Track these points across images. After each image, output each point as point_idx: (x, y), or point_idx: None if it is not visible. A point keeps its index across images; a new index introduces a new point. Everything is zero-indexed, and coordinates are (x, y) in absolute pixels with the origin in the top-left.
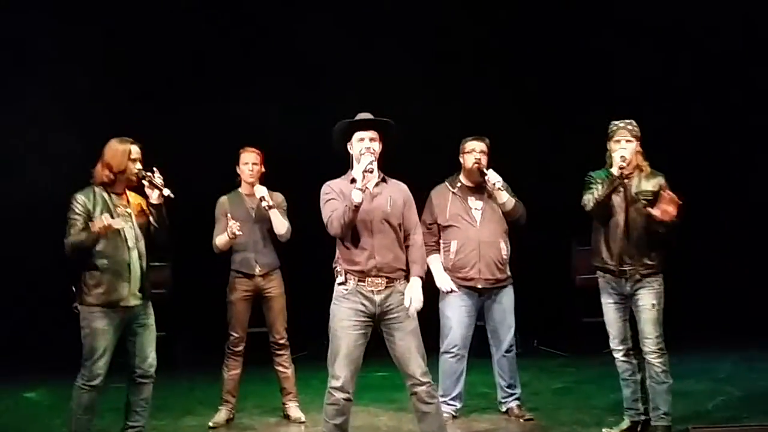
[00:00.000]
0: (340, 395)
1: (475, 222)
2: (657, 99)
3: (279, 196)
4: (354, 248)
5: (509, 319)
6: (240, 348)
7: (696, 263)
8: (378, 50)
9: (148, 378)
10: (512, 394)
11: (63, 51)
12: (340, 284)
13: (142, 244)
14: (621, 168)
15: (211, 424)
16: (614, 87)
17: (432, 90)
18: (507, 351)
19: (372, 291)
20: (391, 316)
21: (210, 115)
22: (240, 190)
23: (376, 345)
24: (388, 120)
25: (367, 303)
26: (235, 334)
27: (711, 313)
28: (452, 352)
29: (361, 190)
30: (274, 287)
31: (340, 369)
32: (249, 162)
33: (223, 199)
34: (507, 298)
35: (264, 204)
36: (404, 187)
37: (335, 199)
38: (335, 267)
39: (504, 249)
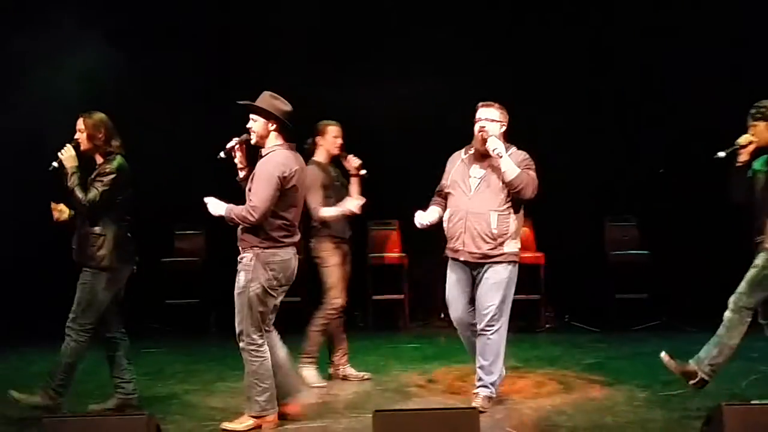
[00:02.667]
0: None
1: (469, 191)
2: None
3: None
4: None
5: (491, 296)
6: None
7: (732, 241)
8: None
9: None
10: (479, 380)
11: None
12: None
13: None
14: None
15: (317, 382)
16: (658, 65)
17: (478, 58)
18: (483, 330)
19: None
20: None
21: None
22: (319, 159)
23: (409, 318)
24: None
25: None
26: (343, 298)
27: None
28: (457, 328)
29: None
30: (349, 252)
31: None
32: (339, 135)
33: (315, 169)
34: (496, 274)
35: (363, 172)
36: (263, 163)
37: None
38: None
39: (494, 222)
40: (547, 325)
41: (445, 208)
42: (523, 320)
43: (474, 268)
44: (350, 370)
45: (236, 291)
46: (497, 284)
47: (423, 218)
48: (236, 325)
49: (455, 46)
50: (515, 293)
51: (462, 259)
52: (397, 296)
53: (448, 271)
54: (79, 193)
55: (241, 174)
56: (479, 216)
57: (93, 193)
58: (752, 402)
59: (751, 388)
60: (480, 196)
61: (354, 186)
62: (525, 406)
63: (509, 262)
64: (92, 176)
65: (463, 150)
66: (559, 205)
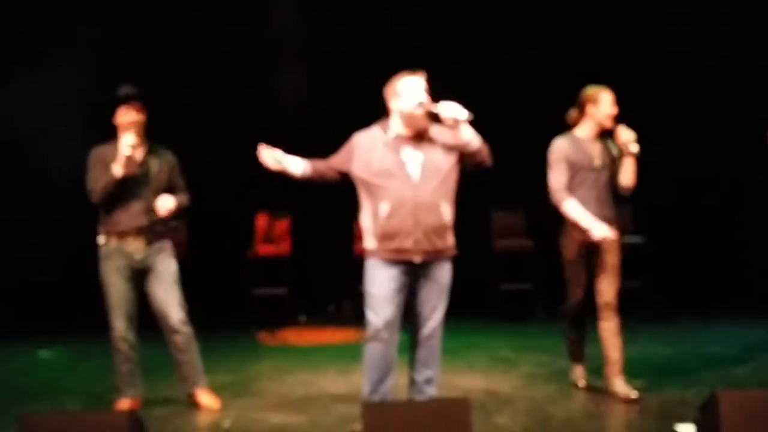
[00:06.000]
0: None
1: (412, 179)
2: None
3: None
4: None
5: (440, 300)
6: (584, 309)
7: (729, 228)
8: None
9: None
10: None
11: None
12: None
13: None
14: None
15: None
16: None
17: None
18: (429, 337)
19: None
20: None
21: None
22: (582, 133)
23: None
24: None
25: None
26: (578, 296)
27: (742, 277)
28: (381, 339)
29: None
30: (612, 241)
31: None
32: (614, 104)
33: (563, 142)
34: (442, 273)
35: (635, 149)
36: (169, 155)
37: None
38: None
39: (446, 213)
40: (540, 316)
41: (319, 173)
42: (514, 310)
43: (417, 269)
44: (619, 385)
45: (172, 278)
46: (445, 286)
47: (276, 158)
48: (180, 311)
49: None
50: (505, 282)
51: (417, 260)
52: None
53: (378, 270)
54: None
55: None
56: (430, 207)
57: None
58: None
59: (747, 376)
60: (427, 183)
61: (626, 167)
62: (518, 395)
63: (451, 259)
64: None
65: (376, 130)
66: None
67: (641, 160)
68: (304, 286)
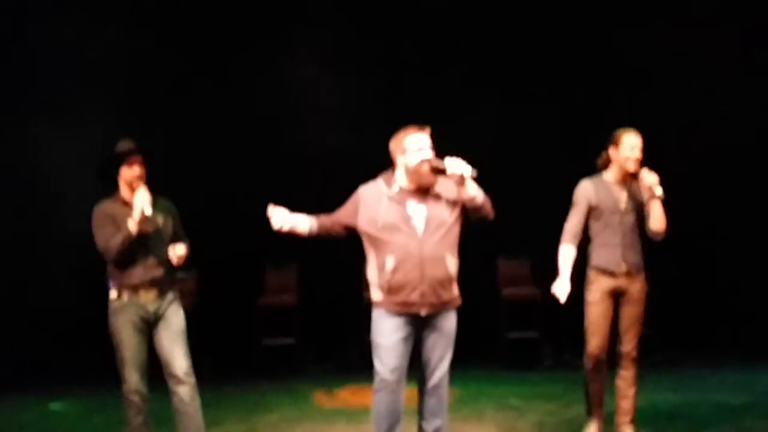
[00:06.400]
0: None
1: (417, 233)
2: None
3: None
4: None
5: (446, 348)
6: (603, 357)
7: (737, 273)
8: None
9: None
10: None
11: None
12: None
13: None
14: None
15: None
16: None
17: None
18: (436, 387)
19: None
20: None
21: None
22: (608, 177)
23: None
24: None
25: None
26: (598, 346)
27: (751, 323)
28: (389, 389)
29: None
30: (638, 290)
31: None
32: (637, 147)
33: (587, 184)
34: (448, 323)
35: (659, 193)
36: (170, 205)
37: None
38: None
39: (451, 266)
40: (547, 364)
41: (324, 228)
42: (522, 358)
43: (423, 320)
44: None
45: (180, 328)
46: (451, 336)
47: (283, 219)
48: (185, 362)
49: None
50: (512, 330)
51: (423, 313)
52: None
53: (384, 320)
54: None
55: None
56: (436, 260)
57: None
58: None
59: (756, 423)
60: (432, 237)
61: (654, 211)
62: None
63: (456, 309)
64: None
65: (380, 184)
66: (556, 236)
67: None
68: (313, 336)
